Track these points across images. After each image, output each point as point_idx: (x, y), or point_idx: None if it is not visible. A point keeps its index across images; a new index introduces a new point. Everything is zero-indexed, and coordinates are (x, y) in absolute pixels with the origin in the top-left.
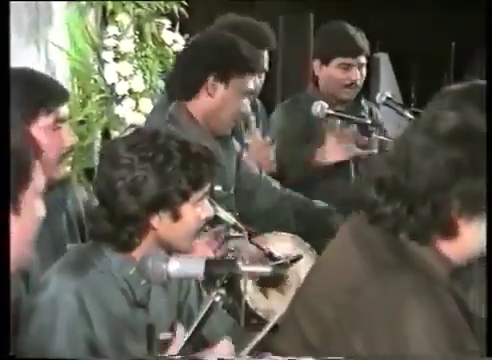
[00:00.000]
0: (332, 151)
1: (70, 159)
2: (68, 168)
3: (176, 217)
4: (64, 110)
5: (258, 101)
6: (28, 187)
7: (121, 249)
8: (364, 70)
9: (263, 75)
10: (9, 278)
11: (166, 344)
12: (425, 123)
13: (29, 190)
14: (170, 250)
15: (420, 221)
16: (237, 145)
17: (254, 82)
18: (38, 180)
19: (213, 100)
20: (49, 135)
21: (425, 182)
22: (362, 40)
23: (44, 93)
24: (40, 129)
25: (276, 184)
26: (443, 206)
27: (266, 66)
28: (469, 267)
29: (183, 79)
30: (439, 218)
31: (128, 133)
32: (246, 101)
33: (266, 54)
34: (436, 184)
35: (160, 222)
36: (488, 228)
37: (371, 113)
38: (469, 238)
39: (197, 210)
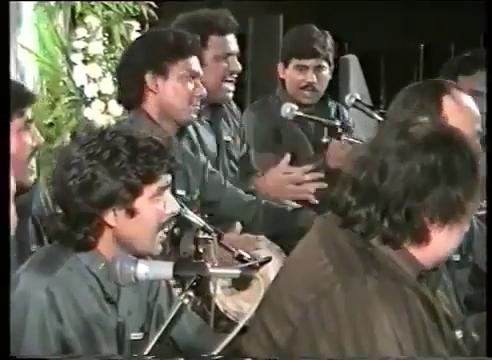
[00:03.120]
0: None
1: (38, 162)
2: (34, 173)
3: (131, 213)
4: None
5: (234, 104)
6: None
7: (77, 249)
8: (323, 73)
9: (235, 56)
10: (9, 278)
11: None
12: (400, 127)
13: None
14: (134, 251)
15: (393, 226)
16: (203, 157)
17: (198, 62)
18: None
19: (159, 95)
20: (19, 137)
21: (400, 187)
22: (323, 43)
23: (16, 97)
24: (13, 132)
25: (241, 191)
26: (417, 212)
27: (237, 50)
28: (437, 269)
29: (124, 89)
30: (412, 224)
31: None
32: (197, 83)
33: (233, 38)
34: (411, 189)
35: (116, 219)
36: (488, 227)
37: (338, 114)
38: (439, 243)
39: (156, 205)
